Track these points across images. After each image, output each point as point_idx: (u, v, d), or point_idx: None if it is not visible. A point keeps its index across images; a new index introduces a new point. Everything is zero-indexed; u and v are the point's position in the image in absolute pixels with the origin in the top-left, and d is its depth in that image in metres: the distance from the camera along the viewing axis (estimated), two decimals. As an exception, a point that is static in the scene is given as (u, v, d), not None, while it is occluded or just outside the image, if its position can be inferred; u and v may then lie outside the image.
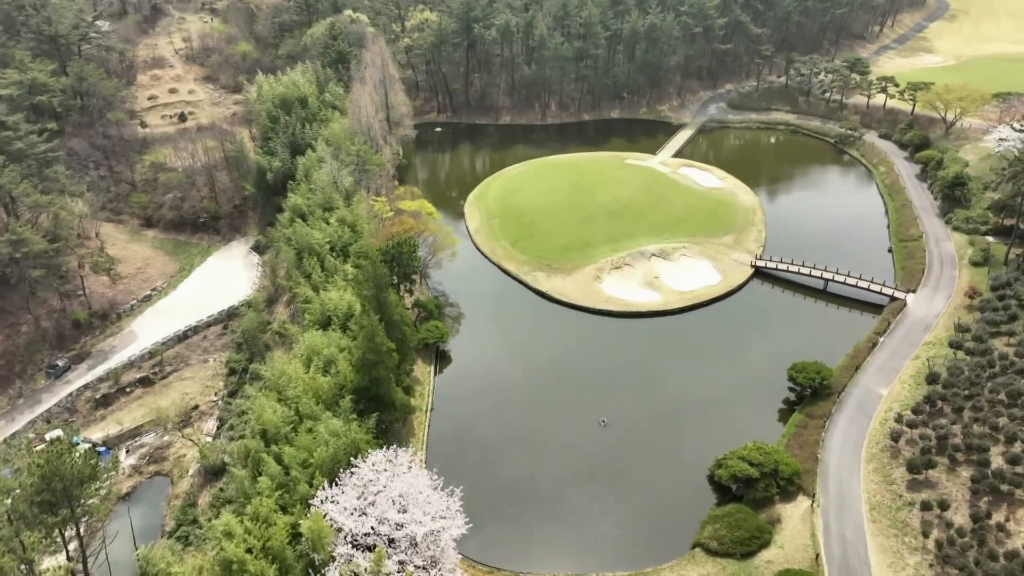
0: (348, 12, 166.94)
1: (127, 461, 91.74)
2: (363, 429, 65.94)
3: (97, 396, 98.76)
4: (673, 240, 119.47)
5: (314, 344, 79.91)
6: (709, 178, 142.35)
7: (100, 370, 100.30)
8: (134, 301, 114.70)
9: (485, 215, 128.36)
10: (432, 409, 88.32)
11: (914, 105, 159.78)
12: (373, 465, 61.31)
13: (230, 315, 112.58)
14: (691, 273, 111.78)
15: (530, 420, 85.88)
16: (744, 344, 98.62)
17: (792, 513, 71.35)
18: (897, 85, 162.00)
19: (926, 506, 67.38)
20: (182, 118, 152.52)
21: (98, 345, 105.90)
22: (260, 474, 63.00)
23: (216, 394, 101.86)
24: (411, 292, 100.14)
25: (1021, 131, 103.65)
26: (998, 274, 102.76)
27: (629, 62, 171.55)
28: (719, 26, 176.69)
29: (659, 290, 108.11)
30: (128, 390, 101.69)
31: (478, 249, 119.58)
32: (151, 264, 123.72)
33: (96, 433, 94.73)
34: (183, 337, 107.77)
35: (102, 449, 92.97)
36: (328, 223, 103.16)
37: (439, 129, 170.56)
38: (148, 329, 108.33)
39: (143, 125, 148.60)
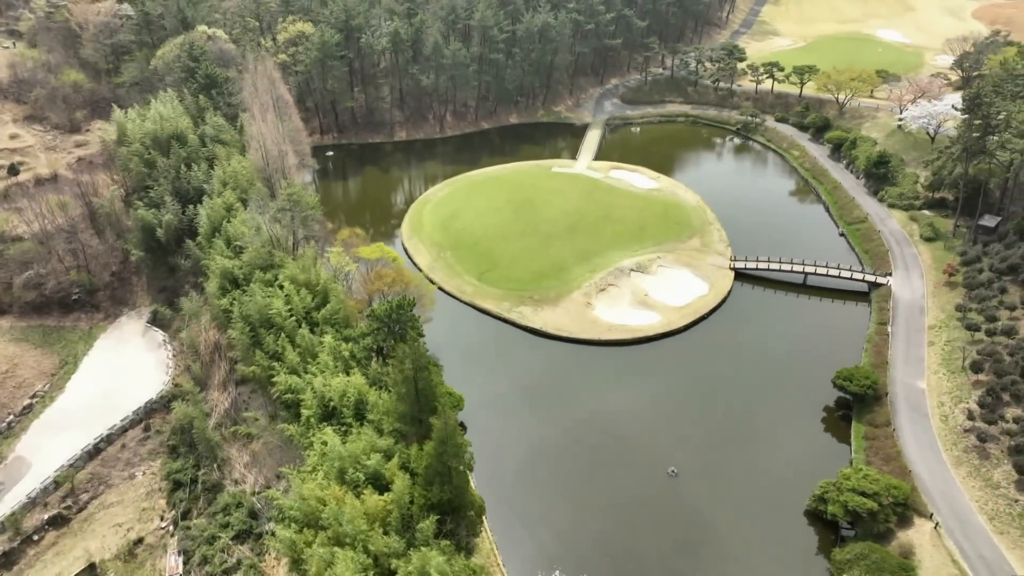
0: (202, 28, 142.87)
1: (65, 638, 69.82)
2: (476, 564, 51.18)
3: (-5, 556, 75.04)
4: (643, 251, 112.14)
5: (337, 450, 63.00)
6: (642, 179, 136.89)
7: (-10, 520, 76.18)
8: (11, 417, 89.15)
9: (433, 248, 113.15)
10: (473, 495, 73.63)
11: (801, 88, 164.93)
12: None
13: (149, 411, 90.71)
14: (677, 285, 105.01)
15: (592, 485, 74.09)
16: (762, 355, 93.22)
17: (919, 540, 65.98)
18: (782, 69, 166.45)
19: (1057, 509, 64.88)
20: (12, 171, 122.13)
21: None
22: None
23: (163, 518, 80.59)
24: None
25: (961, 110, 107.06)
26: (964, 248, 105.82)
27: (524, 64, 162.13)
28: (607, 21, 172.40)
29: (654, 308, 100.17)
30: (36, 538, 78.43)
31: (440, 289, 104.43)
32: (20, 364, 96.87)
33: (7, 607, 71.41)
34: (94, 452, 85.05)
35: (25, 630, 70.24)
36: (282, 287, 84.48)
37: (331, 153, 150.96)
38: (42, 450, 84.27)
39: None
